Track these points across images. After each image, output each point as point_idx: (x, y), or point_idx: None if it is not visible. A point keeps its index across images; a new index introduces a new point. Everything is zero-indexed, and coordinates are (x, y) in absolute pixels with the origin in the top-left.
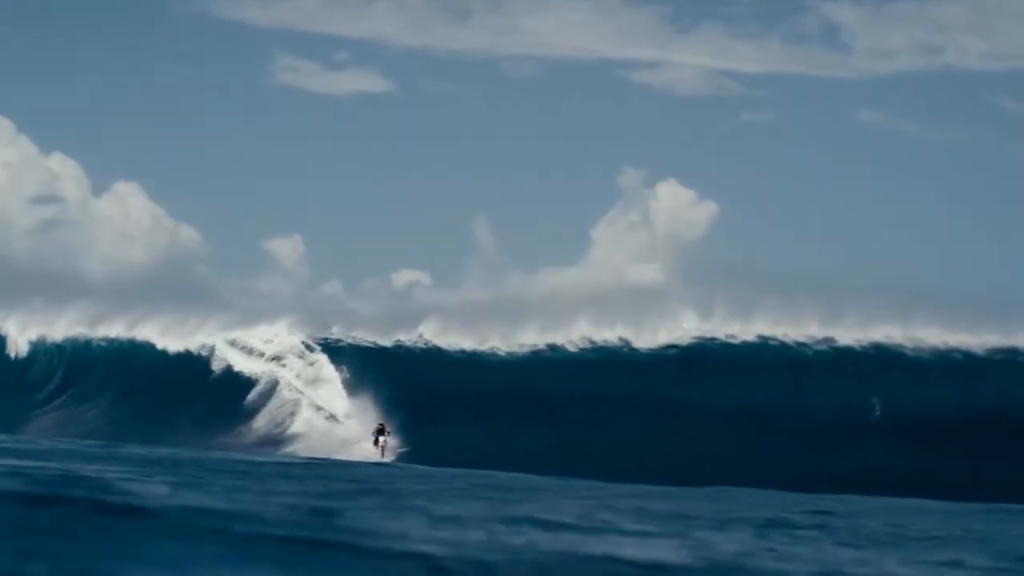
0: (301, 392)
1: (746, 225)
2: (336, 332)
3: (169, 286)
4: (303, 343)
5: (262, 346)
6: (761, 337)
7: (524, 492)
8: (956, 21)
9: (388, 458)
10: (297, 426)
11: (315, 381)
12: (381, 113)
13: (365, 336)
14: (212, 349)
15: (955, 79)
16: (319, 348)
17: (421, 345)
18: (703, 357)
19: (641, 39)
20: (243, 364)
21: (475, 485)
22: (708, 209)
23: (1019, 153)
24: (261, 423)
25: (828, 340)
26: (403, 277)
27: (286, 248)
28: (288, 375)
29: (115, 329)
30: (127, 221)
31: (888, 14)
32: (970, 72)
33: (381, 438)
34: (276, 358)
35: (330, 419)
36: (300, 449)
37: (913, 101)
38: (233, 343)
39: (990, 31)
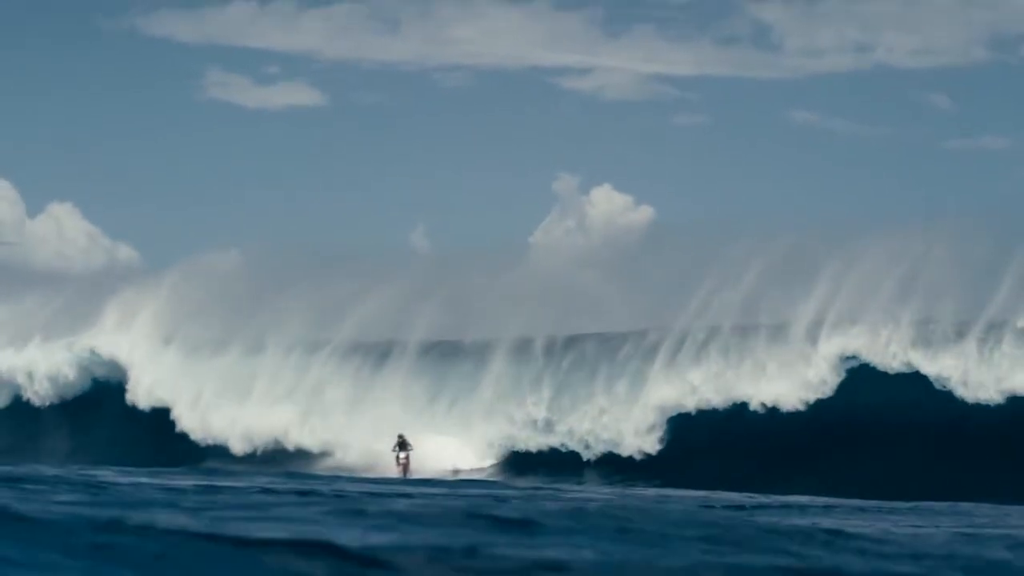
0: None
1: (682, 229)
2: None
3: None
4: None
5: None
6: None
7: None
8: (885, 19)
9: (409, 475)
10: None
11: None
12: (314, 125)
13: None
14: None
15: (885, 77)
16: None
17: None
18: None
19: (572, 45)
20: None
21: None
22: (644, 213)
23: (950, 149)
24: None
25: None
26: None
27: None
28: None
29: None
30: (63, 241)
31: (818, 13)
32: (900, 69)
33: (402, 453)
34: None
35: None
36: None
37: (845, 100)
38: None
39: (919, 28)
